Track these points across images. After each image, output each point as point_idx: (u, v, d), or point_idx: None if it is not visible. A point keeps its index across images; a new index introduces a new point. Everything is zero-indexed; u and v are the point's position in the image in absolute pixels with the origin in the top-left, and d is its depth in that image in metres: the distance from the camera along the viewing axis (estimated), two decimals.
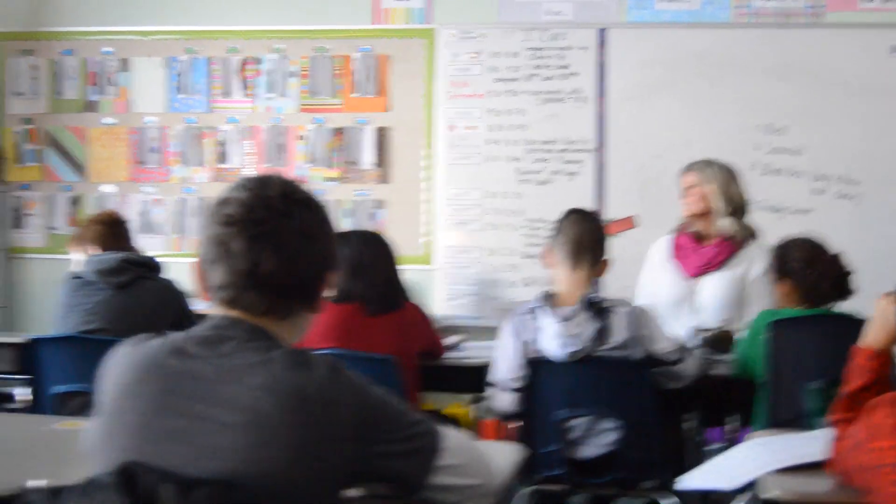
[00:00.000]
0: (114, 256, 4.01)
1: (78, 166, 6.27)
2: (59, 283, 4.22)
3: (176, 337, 1.66)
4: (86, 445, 1.73)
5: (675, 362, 3.43)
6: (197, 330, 1.67)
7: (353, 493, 1.74)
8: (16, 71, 6.35)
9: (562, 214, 3.62)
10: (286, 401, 1.55)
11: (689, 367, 3.48)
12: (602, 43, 5.60)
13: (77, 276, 4.04)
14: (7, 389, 4.88)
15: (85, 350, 3.75)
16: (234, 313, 1.66)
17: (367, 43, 5.92)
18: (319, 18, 5.96)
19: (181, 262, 5.59)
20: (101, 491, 1.47)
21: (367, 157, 5.92)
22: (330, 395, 1.58)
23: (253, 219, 1.63)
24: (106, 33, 6.21)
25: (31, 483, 1.87)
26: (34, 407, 3.92)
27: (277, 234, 1.63)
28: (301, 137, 5.99)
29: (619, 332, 3.38)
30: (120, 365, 1.66)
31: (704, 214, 4.25)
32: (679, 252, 4.29)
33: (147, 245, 5.83)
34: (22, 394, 4.49)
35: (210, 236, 1.65)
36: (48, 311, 4.76)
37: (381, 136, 5.91)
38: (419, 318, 3.84)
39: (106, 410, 1.64)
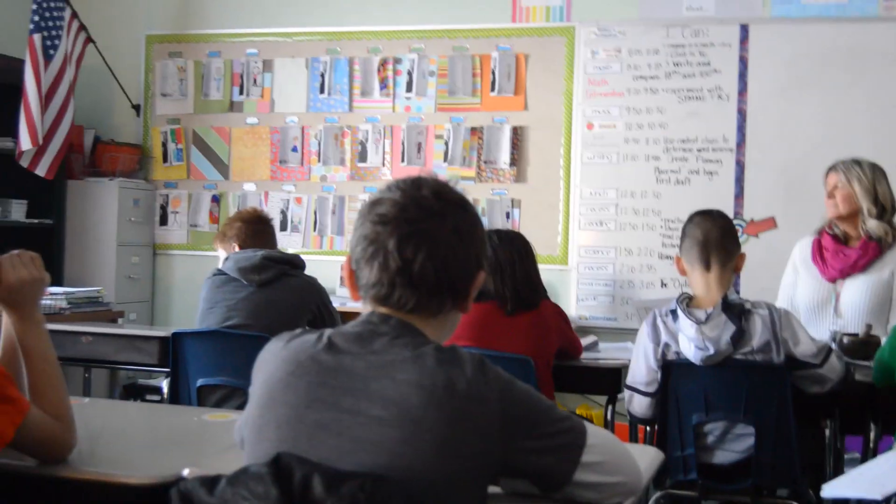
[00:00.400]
0: (255, 254, 4.03)
1: (221, 165, 6.45)
2: (200, 278, 4.32)
3: (328, 332, 1.69)
4: (238, 436, 1.78)
5: (818, 365, 3.33)
6: (348, 326, 1.70)
7: (497, 489, 1.75)
8: (164, 73, 6.57)
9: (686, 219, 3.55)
10: (435, 396, 1.57)
11: (834, 369, 3.37)
12: (744, 39, 5.49)
13: (219, 273, 4.10)
14: (155, 382, 5.05)
15: (225, 345, 3.81)
16: (384, 310, 1.69)
17: (506, 42, 5.94)
18: (460, 18, 6.01)
19: (320, 260, 5.76)
20: (255, 481, 1.51)
21: (504, 156, 5.93)
22: (478, 390, 1.60)
23: (406, 218, 1.66)
24: (250, 35, 6.38)
25: (188, 471, 1.95)
26: (171, 399, 4.01)
27: (430, 233, 1.66)
28: (439, 137, 6.04)
29: (757, 334, 3.28)
30: (273, 358, 1.70)
31: (850, 215, 4.12)
32: (820, 254, 4.18)
33: (287, 243, 5.99)
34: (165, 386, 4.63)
35: (362, 235, 1.68)
36: (190, 306, 4.92)
37: (518, 135, 5.92)
38: (556, 318, 3.81)
39: (258, 402, 1.68)
